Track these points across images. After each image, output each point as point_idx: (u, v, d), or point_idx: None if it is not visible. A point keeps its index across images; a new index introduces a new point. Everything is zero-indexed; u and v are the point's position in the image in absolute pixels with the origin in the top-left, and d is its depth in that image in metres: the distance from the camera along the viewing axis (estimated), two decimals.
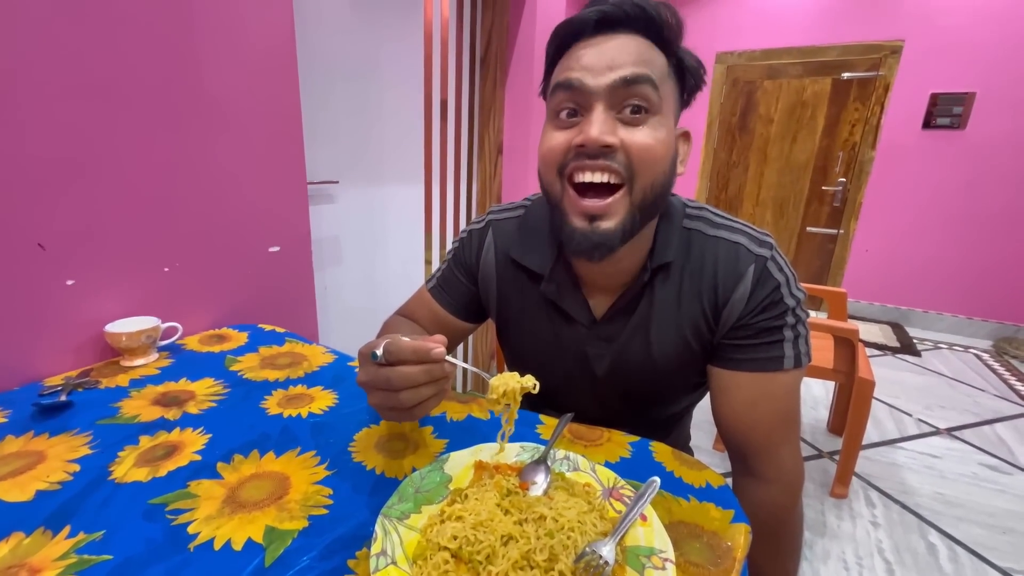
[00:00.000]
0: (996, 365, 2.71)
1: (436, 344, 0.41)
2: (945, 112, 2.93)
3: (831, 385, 2.26)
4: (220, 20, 0.88)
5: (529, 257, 0.65)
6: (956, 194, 3.03)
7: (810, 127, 3.30)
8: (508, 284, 0.69)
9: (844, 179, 3.28)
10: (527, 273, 0.66)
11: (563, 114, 0.53)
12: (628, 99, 0.50)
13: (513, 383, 0.47)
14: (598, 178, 0.51)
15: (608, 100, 0.50)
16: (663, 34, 0.52)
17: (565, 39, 0.53)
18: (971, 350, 2.92)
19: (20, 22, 0.66)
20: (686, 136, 0.59)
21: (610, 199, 0.51)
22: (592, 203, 0.52)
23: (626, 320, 0.62)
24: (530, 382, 0.47)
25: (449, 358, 0.43)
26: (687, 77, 0.55)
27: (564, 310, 0.64)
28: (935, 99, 2.95)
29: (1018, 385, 2.47)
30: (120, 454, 0.55)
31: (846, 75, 3.12)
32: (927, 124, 2.99)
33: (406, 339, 0.42)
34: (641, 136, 0.50)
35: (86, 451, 0.55)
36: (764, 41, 3.30)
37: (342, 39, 1.36)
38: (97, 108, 0.74)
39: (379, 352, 0.41)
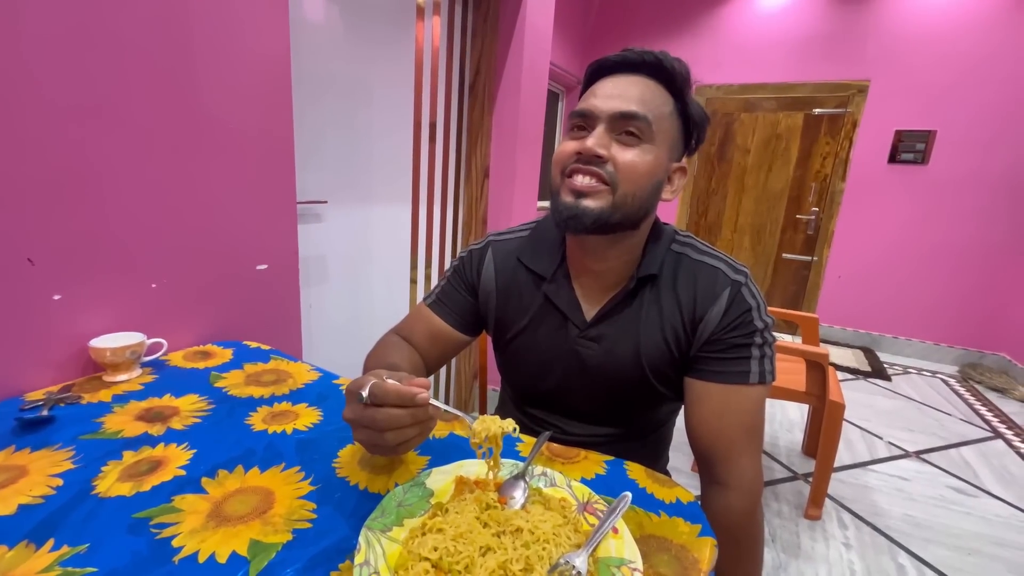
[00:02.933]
0: (962, 390, 2.81)
1: (420, 389, 0.44)
2: (909, 148, 3.11)
3: (806, 409, 2.32)
4: (218, 43, 0.91)
5: (536, 261, 0.75)
6: (920, 225, 3.19)
7: (784, 158, 3.45)
8: (512, 293, 0.76)
9: (817, 208, 3.42)
10: (533, 277, 0.74)
11: (576, 129, 0.64)
12: (624, 127, 0.61)
13: (495, 428, 0.50)
14: (587, 179, 0.61)
15: (608, 124, 0.61)
16: (673, 81, 0.63)
17: (598, 71, 0.65)
18: (938, 375, 3.03)
19: (19, 40, 0.68)
20: (682, 170, 0.67)
21: (595, 186, 0.61)
22: (580, 183, 0.61)
23: (613, 324, 0.70)
24: (510, 426, 0.50)
25: (433, 401, 0.46)
26: (691, 124, 0.65)
27: (561, 311, 0.72)
28: (899, 136, 3.12)
29: (982, 410, 2.56)
30: (103, 469, 0.55)
31: (817, 111, 3.29)
32: (892, 159, 3.16)
33: (392, 381, 0.45)
34: (629, 155, 0.60)
35: (69, 466, 0.56)
36: (741, 76, 3.46)
37: (335, 62, 1.41)
38: (92, 126, 0.76)
39: (365, 394, 0.44)
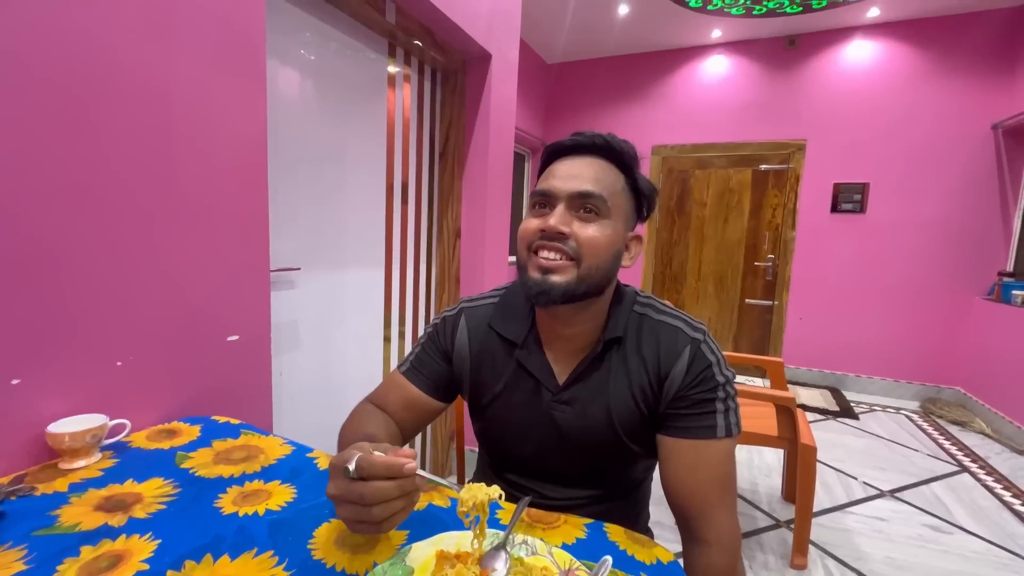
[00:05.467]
0: (925, 425, 2.91)
1: (407, 459, 0.45)
2: (847, 199, 3.38)
3: (782, 453, 2.34)
4: (197, 127, 0.94)
5: (507, 327, 0.77)
6: (866, 268, 3.42)
7: (738, 210, 3.68)
8: (485, 359, 0.77)
9: (772, 256, 3.62)
10: (505, 344, 0.76)
11: (538, 207, 0.69)
12: (582, 205, 0.66)
13: (481, 495, 0.50)
14: (552, 255, 0.66)
15: (568, 202, 0.66)
16: (622, 160, 0.69)
17: (553, 154, 0.72)
18: (902, 411, 3.13)
19: None
20: (638, 239, 0.73)
21: (561, 262, 0.66)
22: (547, 261, 0.66)
23: (584, 386, 0.72)
24: (496, 492, 0.51)
25: (420, 472, 0.46)
26: (641, 196, 0.71)
27: (534, 376, 0.74)
28: (838, 188, 3.40)
29: (946, 444, 2.65)
30: (59, 568, 0.52)
31: (763, 167, 3.57)
32: (834, 208, 3.43)
33: (378, 454, 0.45)
34: (589, 231, 0.65)
35: (20, 567, 0.52)
36: (692, 137, 3.75)
37: (309, 132, 1.46)
38: (57, 205, 0.76)
39: (351, 467, 0.44)
